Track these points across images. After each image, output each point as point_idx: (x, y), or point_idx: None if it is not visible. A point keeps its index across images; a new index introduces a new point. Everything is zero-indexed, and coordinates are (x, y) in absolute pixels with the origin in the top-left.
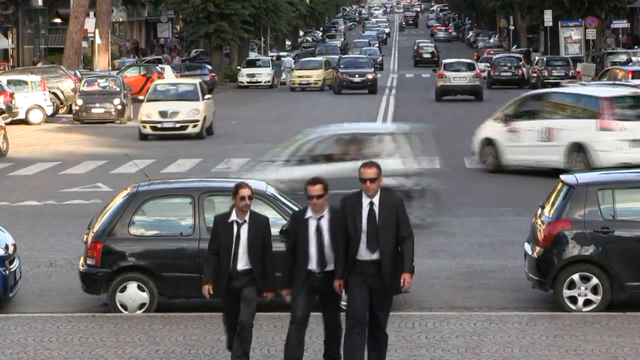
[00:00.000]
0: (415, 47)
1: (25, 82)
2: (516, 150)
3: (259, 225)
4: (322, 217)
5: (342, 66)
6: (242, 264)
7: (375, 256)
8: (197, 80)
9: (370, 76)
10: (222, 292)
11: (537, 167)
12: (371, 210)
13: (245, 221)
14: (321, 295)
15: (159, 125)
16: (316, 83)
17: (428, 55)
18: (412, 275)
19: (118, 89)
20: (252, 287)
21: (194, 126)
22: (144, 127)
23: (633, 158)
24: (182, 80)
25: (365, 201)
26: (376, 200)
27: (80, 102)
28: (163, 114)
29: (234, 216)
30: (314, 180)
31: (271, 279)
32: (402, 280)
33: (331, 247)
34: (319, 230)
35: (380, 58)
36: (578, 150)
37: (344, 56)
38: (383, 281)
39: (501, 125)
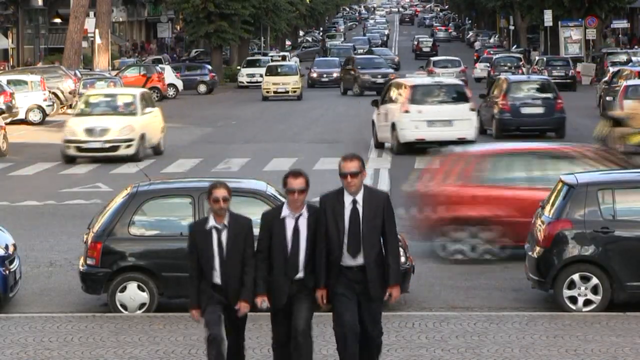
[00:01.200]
0: (416, 43)
1: (25, 82)
2: (380, 129)
3: (239, 229)
4: (300, 215)
5: (359, 67)
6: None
7: (359, 261)
8: (138, 91)
9: (392, 77)
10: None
11: (385, 142)
12: (354, 210)
13: (225, 226)
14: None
15: (84, 146)
16: (294, 91)
17: (427, 49)
18: (400, 288)
19: None
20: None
21: (128, 146)
22: (68, 147)
23: (428, 135)
24: (119, 91)
25: (348, 199)
26: (360, 198)
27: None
28: (89, 131)
29: (212, 221)
30: (296, 173)
31: (249, 289)
32: (388, 294)
33: (306, 251)
34: (296, 231)
35: (397, 58)
36: (393, 128)
37: (358, 56)
38: (368, 290)
39: (376, 109)
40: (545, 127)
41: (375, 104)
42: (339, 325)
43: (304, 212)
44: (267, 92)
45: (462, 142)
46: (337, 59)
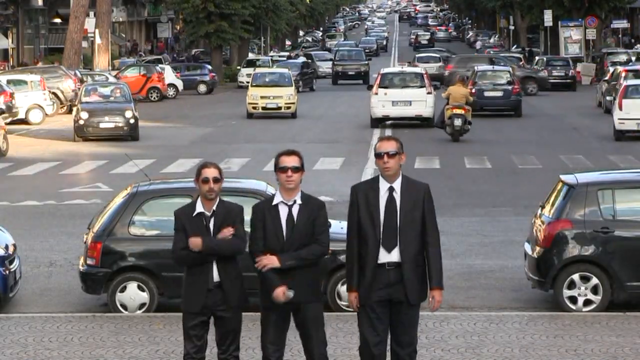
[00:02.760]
0: (415, 37)
1: (25, 82)
2: None
3: (228, 216)
4: (294, 203)
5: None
6: (214, 271)
7: (394, 257)
8: None
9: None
10: (197, 309)
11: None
12: (390, 198)
13: (213, 212)
14: (297, 317)
15: None
16: (288, 107)
17: (425, 42)
18: (442, 291)
19: (127, 98)
20: (228, 310)
21: None
22: None
23: (392, 113)
24: None
25: (384, 187)
26: (397, 185)
27: (84, 115)
28: None
29: (200, 207)
30: (290, 151)
31: (237, 290)
32: (430, 298)
33: (295, 240)
34: (290, 219)
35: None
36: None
37: (455, 56)
38: (405, 292)
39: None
40: (503, 107)
41: (370, 88)
42: (365, 348)
43: (298, 199)
44: (254, 107)
45: (419, 118)
46: (300, 61)
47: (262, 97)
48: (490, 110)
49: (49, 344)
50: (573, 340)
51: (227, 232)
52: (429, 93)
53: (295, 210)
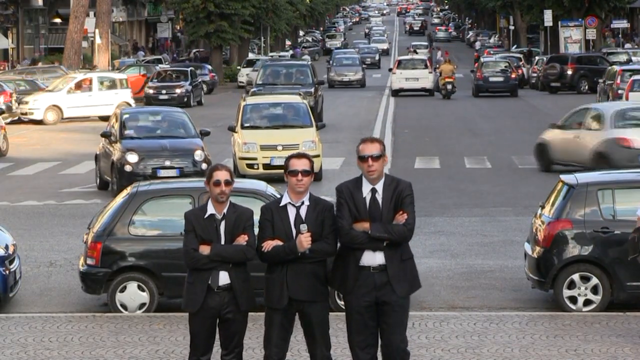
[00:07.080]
0: (408, 25)
1: (114, 80)
2: None
3: (239, 219)
4: (302, 204)
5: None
6: (223, 274)
7: (379, 259)
8: None
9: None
10: (196, 308)
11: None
12: (373, 199)
13: (224, 215)
14: (302, 320)
15: None
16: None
17: (417, 28)
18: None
19: (190, 132)
20: (237, 312)
21: None
22: None
23: (405, 86)
24: None
25: (366, 188)
26: (380, 187)
27: (132, 158)
28: None
29: (211, 209)
30: (300, 154)
31: (247, 293)
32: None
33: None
34: (298, 220)
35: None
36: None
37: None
38: (392, 288)
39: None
40: (503, 89)
41: (390, 70)
42: (352, 352)
43: (306, 201)
44: (250, 165)
45: (424, 90)
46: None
47: (262, 148)
48: (493, 91)
49: (49, 344)
50: (573, 340)
51: (241, 239)
52: (430, 72)
53: (303, 211)
